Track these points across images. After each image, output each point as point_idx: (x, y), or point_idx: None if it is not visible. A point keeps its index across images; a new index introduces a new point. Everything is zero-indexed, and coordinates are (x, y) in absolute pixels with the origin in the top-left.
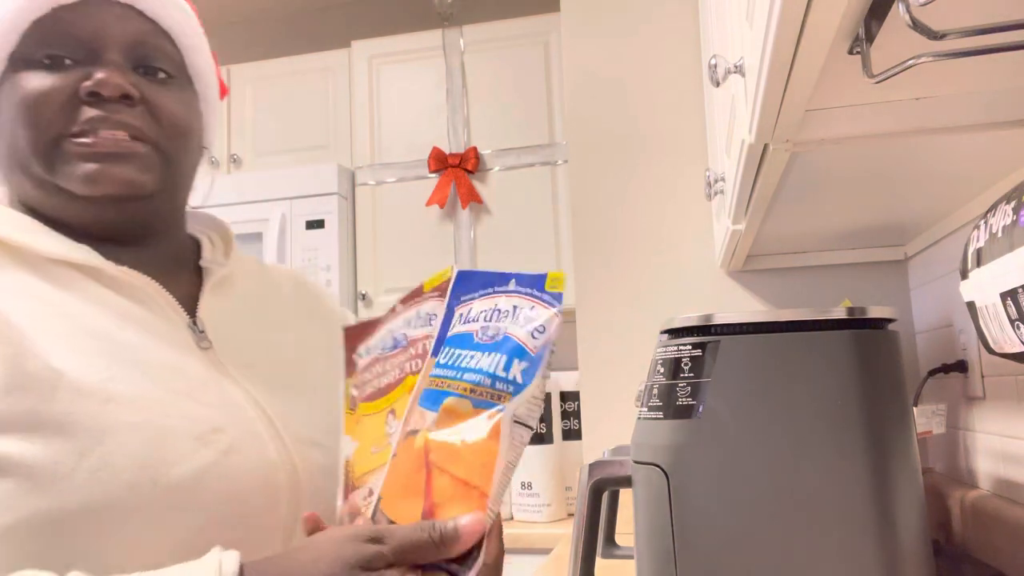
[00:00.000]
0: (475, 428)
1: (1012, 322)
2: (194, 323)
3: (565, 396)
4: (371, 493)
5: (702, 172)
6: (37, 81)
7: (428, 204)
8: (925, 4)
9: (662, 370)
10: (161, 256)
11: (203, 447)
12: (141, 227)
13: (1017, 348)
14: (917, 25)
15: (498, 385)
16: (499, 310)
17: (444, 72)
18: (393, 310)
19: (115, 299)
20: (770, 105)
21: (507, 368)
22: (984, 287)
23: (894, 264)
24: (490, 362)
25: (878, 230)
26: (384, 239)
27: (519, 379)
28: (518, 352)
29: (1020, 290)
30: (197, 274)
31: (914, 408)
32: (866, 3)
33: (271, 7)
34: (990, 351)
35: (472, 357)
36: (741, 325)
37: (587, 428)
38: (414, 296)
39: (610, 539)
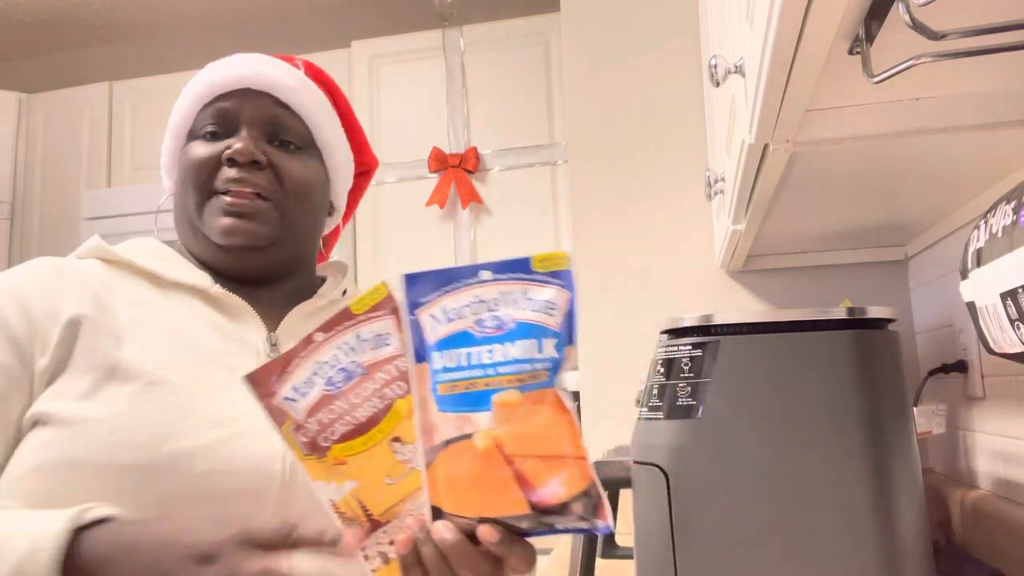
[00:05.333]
0: (537, 410)
1: (1012, 322)
2: (271, 337)
3: None
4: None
5: (702, 172)
6: (197, 150)
7: (428, 204)
8: (925, 4)
9: (662, 370)
10: (280, 291)
11: (214, 428)
12: (264, 271)
13: (1017, 348)
14: (917, 25)
15: (537, 366)
16: (484, 301)
17: (444, 72)
18: (310, 340)
19: (211, 313)
20: (770, 105)
21: (540, 349)
22: (984, 287)
23: (894, 264)
24: (522, 350)
25: (878, 230)
26: (384, 239)
27: (555, 354)
28: (541, 332)
29: (1020, 290)
30: None
31: (914, 408)
32: (866, 3)
33: (271, 7)
34: (990, 351)
35: (491, 351)
36: (741, 325)
37: (587, 428)
38: (342, 320)
39: (610, 539)
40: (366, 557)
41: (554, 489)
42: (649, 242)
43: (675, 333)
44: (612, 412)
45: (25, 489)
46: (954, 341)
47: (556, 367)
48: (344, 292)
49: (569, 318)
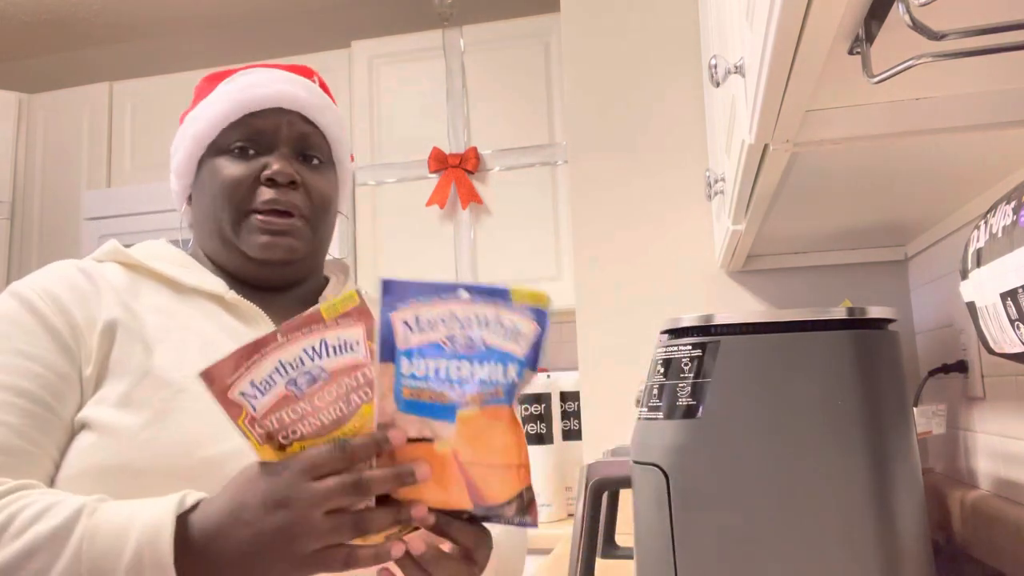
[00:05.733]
0: (494, 424)
1: (1012, 322)
2: None
3: (565, 396)
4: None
5: (702, 172)
6: (233, 168)
7: (428, 204)
8: (925, 4)
9: (662, 370)
10: (297, 297)
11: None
12: (287, 281)
13: (1017, 348)
14: (917, 25)
15: (499, 387)
16: (458, 319)
17: (444, 72)
18: (274, 337)
19: (228, 319)
20: (770, 105)
21: (505, 374)
22: (984, 287)
23: (894, 264)
24: (489, 373)
25: (878, 230)
26: (384, 239)
27: (515, 379)
28: (508, 357)
29: (1020, 290)
30: None
31: (914, 408)
32: (866, 3)
33: (271, 7)
34: (990, 351)
35: (459, 367)
36: (741, 325)
37: (587, 428)
38: (309, 323)
39: (610, 539)
40: None
41: (495, 491)
42: (649, 242)
43: (675, 333)
44: (612, 412)
45: (73, 491)
46: (954, 341)
47: (514, 388)
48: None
49: (534, 349)
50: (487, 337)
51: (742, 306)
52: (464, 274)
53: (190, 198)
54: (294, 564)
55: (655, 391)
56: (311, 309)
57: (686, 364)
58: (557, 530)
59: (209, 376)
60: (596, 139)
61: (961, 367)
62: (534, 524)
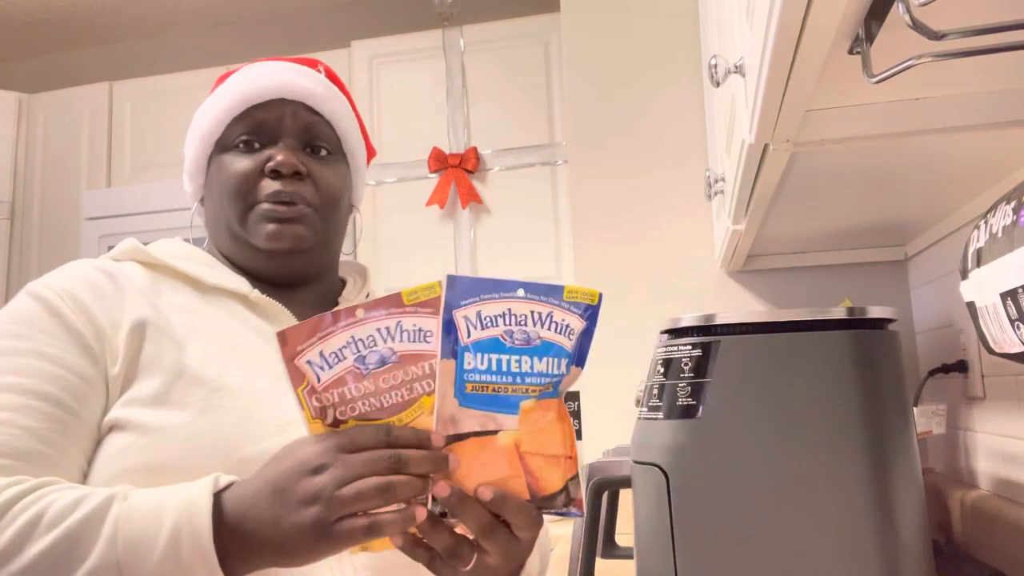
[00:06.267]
0: (546, 415)
1: (1012, 322)
2: None
3: (566, 396)
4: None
5: (702, 172)
6: (238, 163)
7: (428, 204)
8: (925, 4)
9: (662, 370)
10: (312, 295)
11: (278, 434)
12: (301, 274)
13: (1017, 348)
14: (917, 25)
15: (553, 379)
16: (515, 315)
17: (444, 72)
18: (352, 312)
19: (253, 318)
20: (770, 105)
21: (558, 366)
22: (984, 287)
23: (894, 264)
24: (545, 365)
25: (878, 230)
26: (384, 239)
27: (564, 371)
28: (560, 351)
29: (1020, 290)
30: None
31: (914, 408)
32: (866, 3)
33: (271, 7)
34: (990, 351)
35: (519, 361)
36: (741, 325)
37: (587, 428)
38: (389, 305)
39: (610, 539)
40: None
41: (549, 481)
42: (649, 242)
43: (675, 333)
44: (612, 412)
45: None
46: (954, 341)
47: (561, 380)
48: (367, 296)
49: (580, 343)
50: (542, 332)
51: (742, 306)
52: (464, 274)
53: (203, 199)
54: (322, 532)
55: (655, 391)
56: (392, 292)
57: (686, 364)
58: (557, 530)
59: (284, 337)
60: (596, 139)
61: (961, 367)
62: (580, 513)
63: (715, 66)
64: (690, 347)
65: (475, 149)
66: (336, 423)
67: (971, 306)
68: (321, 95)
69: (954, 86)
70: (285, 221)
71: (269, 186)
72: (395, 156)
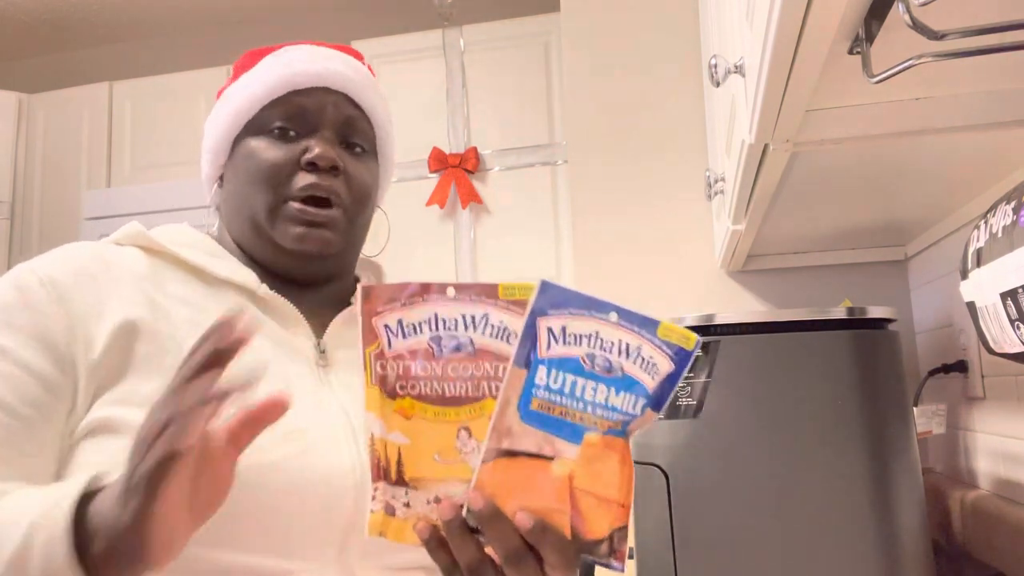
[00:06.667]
0: (608, 454)
1: (1012, 322)
2: (319, 344)
3: None
4: (436, 500)
5: (702, 172)
6: (271, 151)
7: (428, 204)
8: (925, 4)
9: None
10: (325, 294)
11: (284, 443)
12: (320, 275)
13: (1017, 348)
14: (917, 25)
15: (625, 417)
16: (602, 340)
17: (444, 72)
18: (443, 289)
19: (259, 316)
20: (770, 105)
21: (633, 406)
22: (984, 287)
23: (894, 264)
24: (622, 401)
25: (878, 230)
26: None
27: (639, 412)
28: (641, 389)
29: (1020, 290)
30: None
31: (914, 408)
32: (866, 3)
33: (271, 7)
34: (990, 351)
35: (595, 390)
36: (741, 325)
37: None
38: (482, 293)
39: None
40: (373, 498)
41: (596, 526)
42: (649, 242)
43: None
44: None
45: None
46: (954, 341)
47: (632, 421)
48: None
49: (663, 388)
50: (626, 364)
51: (742, 306)
52: (464, 274)
53: (220, 180)
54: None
55: None
56: (490, 282)
57: None
58: None
59: (367, 293)
60: (596, 139)
61: (961, 367)
62: (621, 567)
63: (715, 66)
64: None
65: (475, 149)
66: (393, 395)
67: (971, 306)
68: (364, 87)
69: (954, 86)
70: (315, 225)
71: (303, 179)
72: (395, 156)
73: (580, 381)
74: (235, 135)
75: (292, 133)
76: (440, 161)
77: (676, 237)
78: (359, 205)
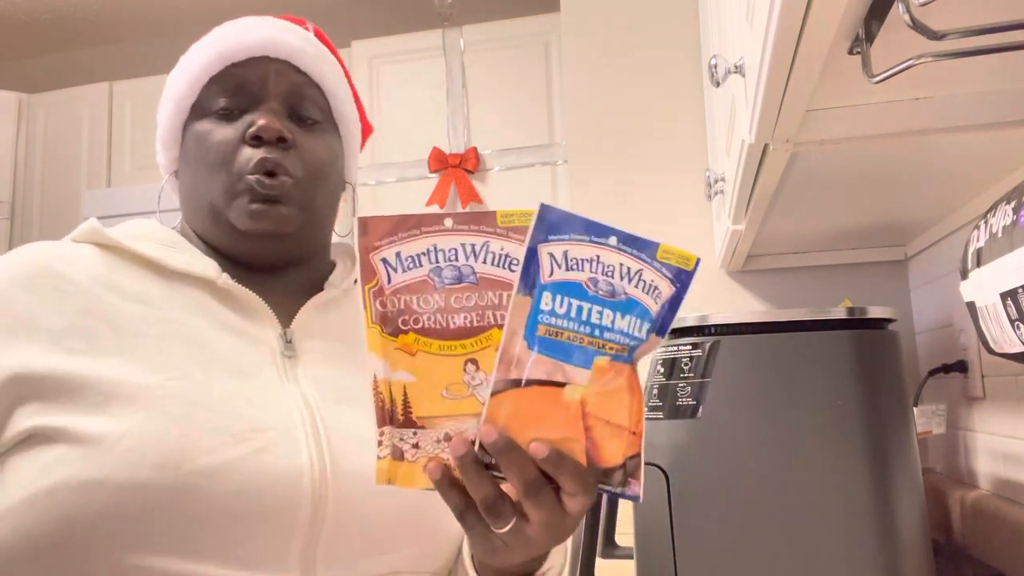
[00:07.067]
0: (617, 380)
1: (1012, 322)
2: (285, 334)
3: None
4: (447, 438)
5: (702, 172)
6: (216, 131)
7: (428, 204)
8: (925, 4)
9: (662, 370)
10: (294, 280)
11: (237, 443)
12: (283, 258)
13: (1017, 348)
14: (917, 25)
15: (631, 342)
16: (603, 264)
17: (444, 72)
18: (440, 219)
19: (219, 309)
20: (770, 105)
21: (640, 328)
22: (984, 287)
23: (894, 264)
24: (627, 324)
25: (878, 230)
26: None
27: (644, 336)
28: (645, 313)
29: (1020, 290)
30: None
31: (914, 408)
32: (866, 3)
33: (271, 7)
34: (990, 351)
35: (600, 313)
36: (741, 325)
37: None
38: (481, 222)
39: (610, 539)
40: (380, 444)
41: (610, 453)
42: None
43: (675, 333)
44: None
45: (37, 511)
46: (954, 341)
47: (638, 346)
48: (355, 281)
49: (665, 310)
50: (628, 288)
51: (742, 306)
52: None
53: (177, 172)
54: None
55: (655, 391)
56: (487, 210)
57: (686, 364)
58: None
59: (364, 226)
60: (596, 139)
61: (961, 367)
62: (638, 496)
63: (715, 66)
64: (690, 347)
65: (475, 149)
66: (396, 332)
67: (971, 306)
68: (310, 54)
69: (954, 86)
70: (270, 200)
71: (251, 155)
72: (395, 156)
73: (585, 305)
74: (183, 121)
75: (236, 111)
76: (440, 161)
77: (676, 237)
78: (315, 179)
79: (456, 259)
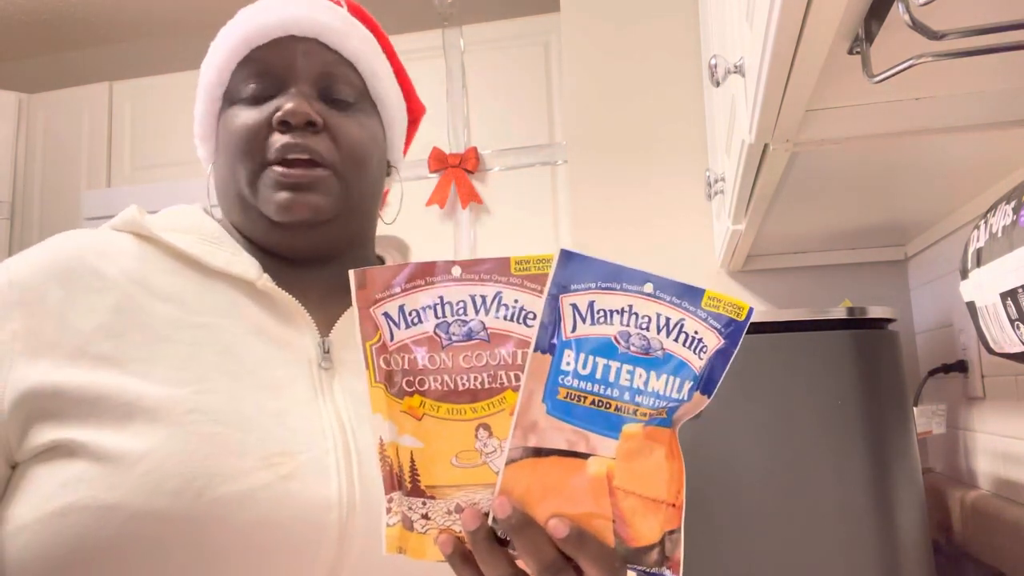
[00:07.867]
0: (652, 447)
1: (1012, 322)
2: (323, 343)
3: None
4: (458, 510)
5: (702, 172)
6: (243, 116)
7: (428, 204)
8: (925, 4)
9: None
10: (337, 275)
11: (264, 468)
12: (323, 250)
13: (1017, 348)
14: (917, 25)
15: (669, 404)
16: (637, 315)
17: (444, 72)
18: (448, 267)
19: (256, 311)
20: (770, 105)
21: (678, 390)
22: (984, 287)
23: (894, 264)
24: (664, 385)
25: (878, 230)
26: None
27: (685, 397)
28: (686, 371)
29: (1020, 290)
30: None
31: (914, 408)
32: (866, 3)
33: None
34: (990, 351)
35: (631, 373)
36: None
37: None
38: (493, 269)
39: None
40: (388, 511)
41: (644, 531)
42: (649, 242)
43: None
44: None
45: (53, 530)
46: (954, 341)
47: (678, 407)
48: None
49: (711, 366)
50: (666, 342)
51: None
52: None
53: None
54: None
55: None
56: (500, 256)
57: None
58: None
59: (362, 279)
60: (596, 139)
61: (961, 367)
62: None
63: (715, 66)
64: None
65: (475, 149)
66: (400, 393)
67: (971, 306)
68: (339, 31)
69: (954, 86)
70: (299, 188)
71: (278, 140)
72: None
73: (614, 364)
74: (217, 110)
75: (261, 95)
76: (440, 161)
77: (676, 237)
78: (353, 165)
79: (464, 313)
